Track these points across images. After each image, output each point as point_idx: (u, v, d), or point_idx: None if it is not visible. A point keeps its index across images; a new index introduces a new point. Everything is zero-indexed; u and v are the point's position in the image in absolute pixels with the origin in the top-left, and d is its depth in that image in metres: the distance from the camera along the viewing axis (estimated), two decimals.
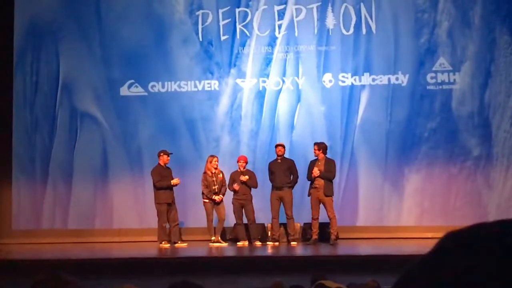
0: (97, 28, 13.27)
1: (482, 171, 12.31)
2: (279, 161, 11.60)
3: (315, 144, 11.54)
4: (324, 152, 11.45)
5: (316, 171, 11.18)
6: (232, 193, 11.59)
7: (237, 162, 11.75)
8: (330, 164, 11.40)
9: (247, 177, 11.52)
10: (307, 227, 11.85)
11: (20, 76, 13.32)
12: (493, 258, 0.70)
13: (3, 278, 8.51)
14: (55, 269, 2.62)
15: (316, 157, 11.42)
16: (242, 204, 11.49)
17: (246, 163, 11.77)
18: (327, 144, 11.72)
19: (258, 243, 11.42)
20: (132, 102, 13.12)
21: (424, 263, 0.77)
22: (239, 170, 11.64)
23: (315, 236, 11.31)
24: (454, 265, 0.73)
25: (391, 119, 12.58)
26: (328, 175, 11.29)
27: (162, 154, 11.78)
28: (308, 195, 11.35)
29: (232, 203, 11.55)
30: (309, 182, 11.36)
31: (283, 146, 11.74)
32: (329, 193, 11.23)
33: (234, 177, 11.60)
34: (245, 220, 11.58)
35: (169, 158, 11.80)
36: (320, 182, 11.21)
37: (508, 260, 0.69)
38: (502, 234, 0.73)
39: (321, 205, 11.26)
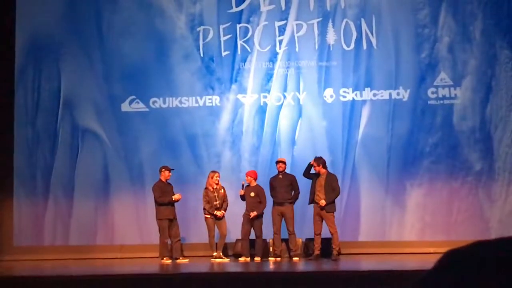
0: (98, 44, 13.31)
1: (484, 186, 12.29)
2: (280, 176, 11.58)
3: (314, 160, 11.46)
4: (324, 167, 11.40)
5: (322, 203, 11.13)
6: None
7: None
8: (332, 180, 11.33)
9: (242, 191, 11.56)
10: (309, 243, 11.82)
11: (22, 92, 13.34)
12: (493, 276, 0.70)
13: None
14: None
15: (318, 173, 11.37)
16: (249, 219, 11.44)
17: (254, 178, 11.69)
18: (328, 159, 11.70)
19: (257, 259, 11.38)
20: (133, 118, 13.13)
21: (425, 281, 0.76)
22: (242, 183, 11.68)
23: (317, 252, 11.27)
24: (455, 283, 0.72)
25: (392, 134, 12.58)
26: (332, 196, 11.22)
27: (163, 169, 11.78)
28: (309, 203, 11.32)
29: (242, 217, 11.52)
30: (310, 196, 11.33)
31: (284, 162, 11.72)
32: (330, 210, 11.19)
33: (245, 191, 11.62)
34: (252, 236, 11.55)
35: (170, 174, 11.80)
36: (321, 199, 11.17)
37: (508, 278, 0.69)
38: (502, 252, 0.72)
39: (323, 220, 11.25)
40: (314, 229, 11.26)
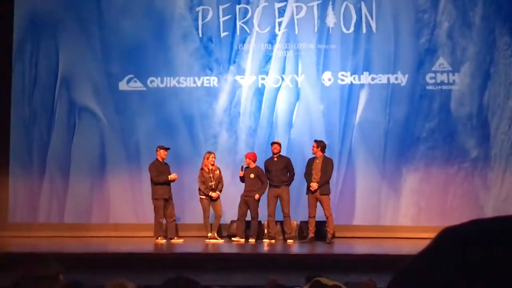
0: (97, 22, 13.25)
1: (480, 172, 12.31)
2: (275, 159, 11.55)
3: (315, 141, 11.50)
4: (323, 151, 11.41)
5: (313, 186, 11.14)
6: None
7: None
8: (327, 164, 11.34)
9: (241, 173, 11.55)
10: (303, 225, 11.84)
11: (19, 69, 13.29)
12: (490, 254, 0.70)
13: None
14: (39, 262, 2.60)
15: (314, 155, 11.40)
16: (246, 201, 11.45)
17: (253, 160, 11.62)
18: (325, 142, 11.69)
19: (251, 240, 11.39)
20: (131, 97, 13.10)
21: (422, 258, 0.76)
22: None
23: (311, 234, 11.29)
24: (451, 261, 0.72)
25: (389, 118, 12.57)
26: (325, 179, 11.24)
27: (159, 149, 11.76)
28: (306, 193, 11.33)
29: (240, 198, 11.52)
30: (306, 180, 11.33)
31: (279, 144, 11.69)
32: (325, 192, 11.21)
33: (244, 173, 11.61)
34: (247, 218, 11.56)
35: (166, 152, 11.77)
36: (313, 185, 11.18)
37: (505, 256, 0.69)
38: (499, 230, 0.72)
39: (318, 204, 11.25)
40: (308, 212, 11.27)
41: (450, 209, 12.26)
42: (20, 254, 9.73)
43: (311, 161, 11.40)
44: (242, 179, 11.57)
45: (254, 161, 11.62)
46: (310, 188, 11.17)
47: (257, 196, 11.38)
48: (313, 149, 11.42)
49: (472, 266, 0.70)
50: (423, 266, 0.76)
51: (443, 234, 0.80)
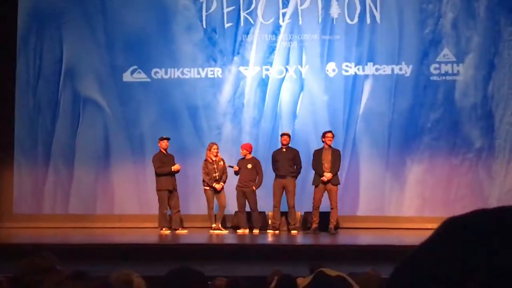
0: (101, 14, 13.24)
1: (484, 163, 12.29)
2: (284, 150, 11.54)
3: (330, 131, 11.45)
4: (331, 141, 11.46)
5: (327, 176, 11.13)
6: (235, 180, 11.62)
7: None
8: (337, 155, 11.37)
9: (236, 167, 11.58)
10: (307, 216, 11.85)
11: (23, 61, 13.30)
12: (495, 243, 0.70)
13: (3, 261, 8.51)
14: (34, 255, 2.61)
15: (321, 146, 11.38)
16: (244, 192, 11.47)
17: (249, 151, 11.67)
18: None
19: (255, 231, 11.40)
20: (135, 88, 13.10)
21: (425, 248, 0.76)
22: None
23: (315, 225, 11.30)
24: (454, 250, 0.72)
25: (394, 109, 12.55)
26: (336, 170, 11.27)
27: (159, 140, 11.75)
28: (313, 184, 11.32)
29: (236, 190, 11.55)
30: (315, 171, 11.30)
31: (289, 136, 11.66)
32: (336, 182, 11.23)
33: (239, 164, 11.63)
34: (247, 209, 11.57)
35: (167, 143, 11.75)
36: (329, 172, 11.19)
37: (507, 246, 0.69)
38: (502, 220, 0.72)
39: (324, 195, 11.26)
40: (314, 202, 11.26)
41: (454, 199, 12.25)
42: (25, 245, 9.76)
43: (319, 152, 11.39)
44: (237, 172, 11.60)
45: (250, 152, 11.65)
46: (322, 179, 11.15)
47: (255, 187, 11.43)
48: (330, 140, 11.33)
49: (474, 256, 0.70)
50: (426, 256, 0.76)
51: (446, 223, 0.80)
